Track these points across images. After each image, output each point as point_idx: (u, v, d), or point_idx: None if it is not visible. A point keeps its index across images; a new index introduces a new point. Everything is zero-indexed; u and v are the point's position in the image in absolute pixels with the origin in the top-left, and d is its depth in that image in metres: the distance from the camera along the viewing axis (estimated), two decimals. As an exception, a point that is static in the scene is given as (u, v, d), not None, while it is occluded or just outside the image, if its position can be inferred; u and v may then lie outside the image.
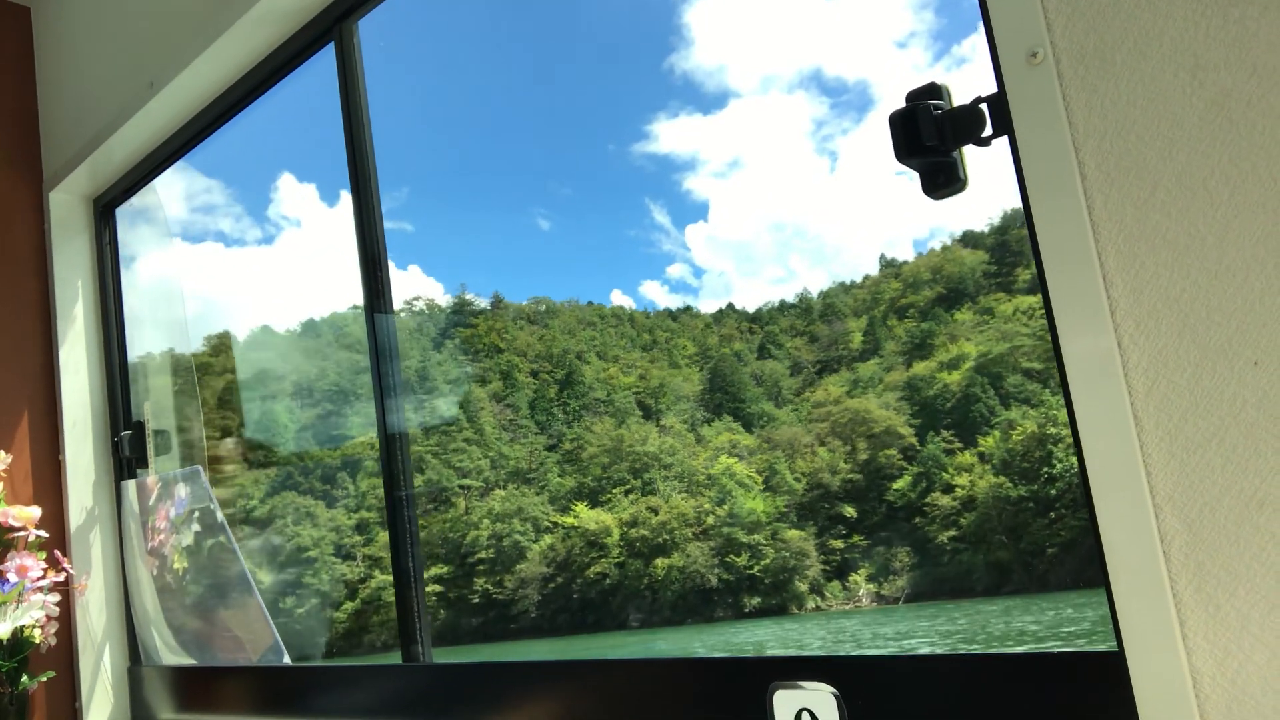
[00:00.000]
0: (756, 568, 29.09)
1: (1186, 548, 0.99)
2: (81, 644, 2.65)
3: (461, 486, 33.41)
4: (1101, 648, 1.09)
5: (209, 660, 2.56)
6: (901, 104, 1.24)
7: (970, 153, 1.23)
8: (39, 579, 2.44)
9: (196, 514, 2.63)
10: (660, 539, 30.20)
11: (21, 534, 2.53)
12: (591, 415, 35.00)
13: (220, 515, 2.61)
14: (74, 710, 2.63)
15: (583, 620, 29.58)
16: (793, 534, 29.45)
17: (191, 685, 2.53)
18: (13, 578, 2.39)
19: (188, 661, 2.60)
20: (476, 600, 30.49)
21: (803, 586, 28.50)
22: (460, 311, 38.59)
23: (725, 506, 30.52)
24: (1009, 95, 1.13)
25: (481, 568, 30.98)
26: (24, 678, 2.42)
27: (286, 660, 2.44)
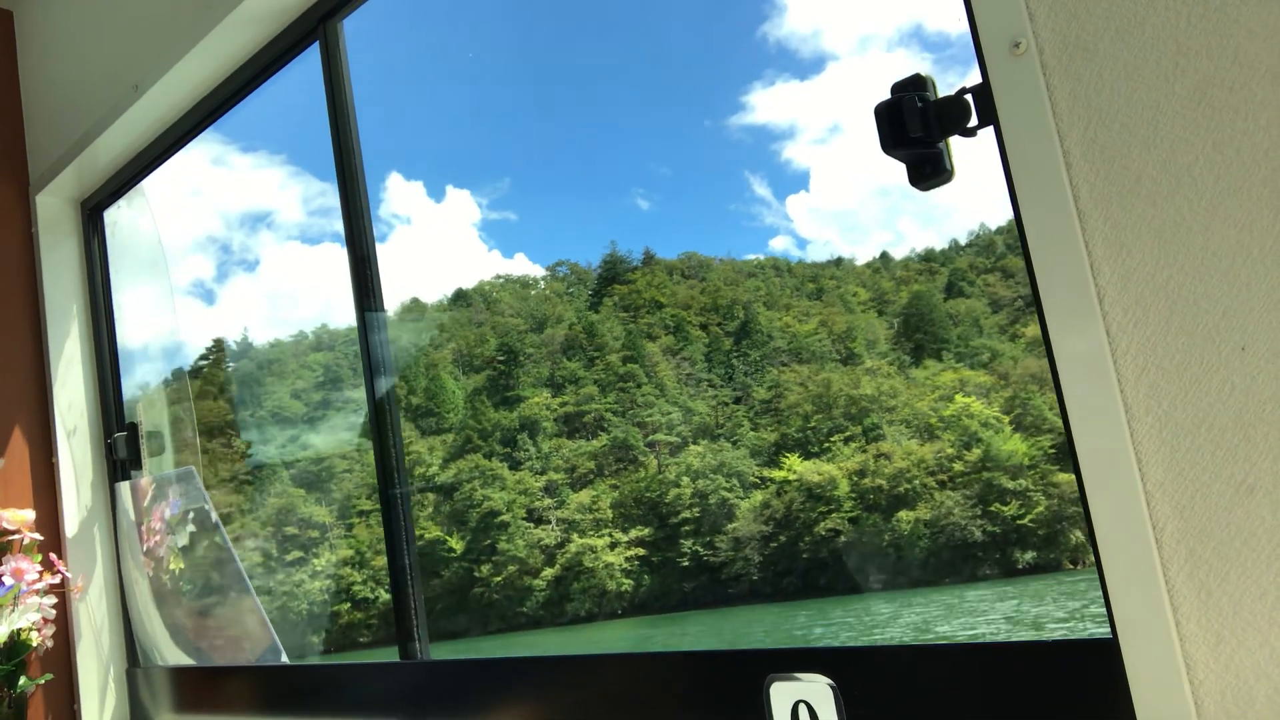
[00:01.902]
0: (1028, 517, 24.89)
1: (1178, 534, 1.00)
2: (79, 646, 2.65)
3: (648, 445, 31.67)
4: (1096, 635, 1.10)
5: (207, 660, 2.57)
6: (887, 95, 1.24)
7: (957, 143, 1.23)
8: (35, 582, 2.44)
9: (191, 514, 2.62)
10: (900, 488, 26.70)
11: (16, 537, 2.53)
12: (775, 364, 32.79)
13: (215, 515, 2.61)
14: (72, 712, 2.63)
15: (811, 583, 26.63)
16: (1064, 477, 24.48)
17: (189, 686, 2.53)
18: (8, 581, 2.39)
19: (186, 662, 2.60)
20: (686, 564, 28.22)
21: (1080, 537, 24.05)
22: (613, 269, 37.63)
23: (975, 450, 26.63)
24: (993, 86, 1.13)
25: (687, 528, 28.72)
26: (22, 680, 2.42)
27: (284, 659, 2.44)
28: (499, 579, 29.48)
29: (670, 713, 1.54)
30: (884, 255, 36.31)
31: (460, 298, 39.50)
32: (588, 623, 27.86)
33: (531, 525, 30.42)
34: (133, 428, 2.79)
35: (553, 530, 30.15)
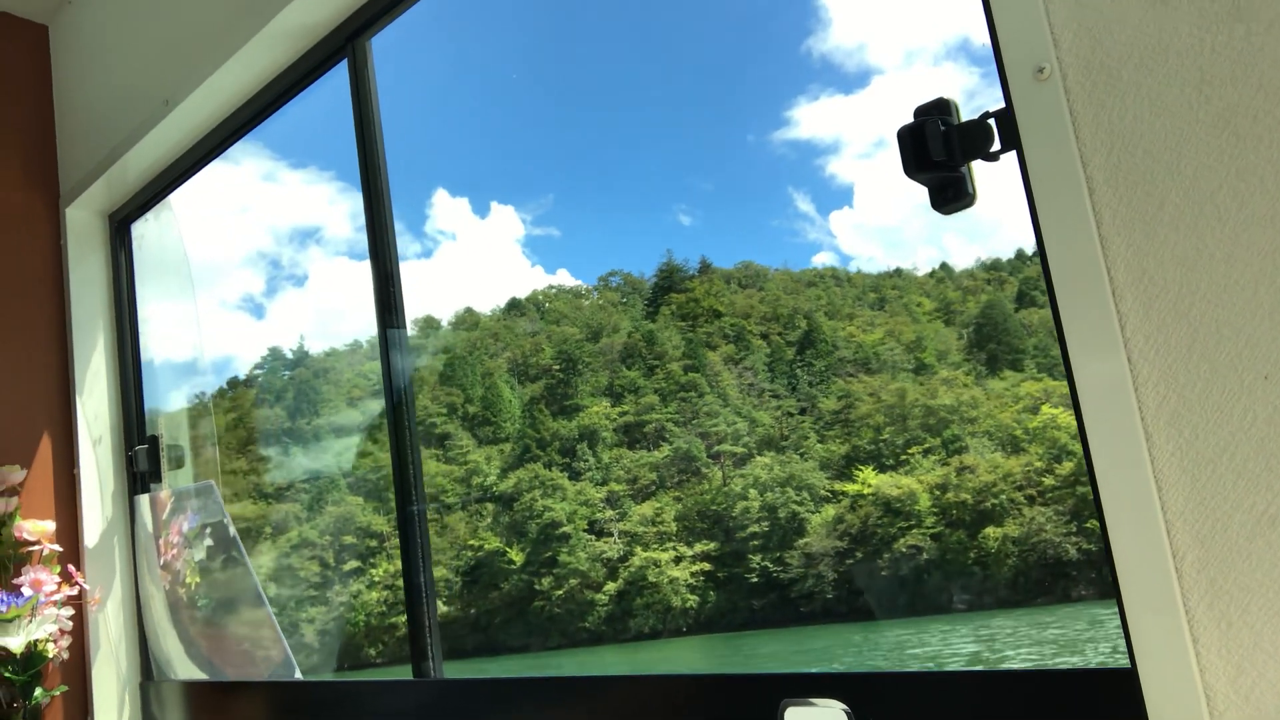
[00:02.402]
0: (1127, 534, 24.48)
1: (1198, 564, 0.99)
2: (94, 658, 2.66)
3: (712, 456, 30.44)
4: (1115, 664, 1.09)
5: (221, 675, 2.57)
6: (910, 119, 1.24)
7: (979, 168, 1.23)
8: (53, 593, 2.45)
9: (209, 529, 2.63)
10: (986, 503, 25.32)
11: (36, 548, 2.55)
12: (840, 375, 31.41)
13: (233, 530, 2.62)
14: None
15: (891, 602, 25.25)
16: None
17: (203, 700, 2.54)
18: (27, 591, 2.40)
19: (200, 676, 2.61)
20: (754, 580, 26.79)
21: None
22: (669, 278, 36.66)
23: (1067, 463, 25.23)
24: (1016, 111, 1.13)
25: (755, 543, 27.32)
26: (37, 691, 2.43)
27: (298, 675, 2.44)
28: (560, 592, 28.68)
29: None
30: (944, 265, 35.26)
31: (514, 307, 39.08)
32: (651, 640, 26.89)
33: (593, 538, 29.52)
34: (154, 440, 2.81)
35: (615, 543, 29.23)
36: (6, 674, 2.38)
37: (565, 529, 29.66)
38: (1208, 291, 0.99)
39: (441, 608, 28.93)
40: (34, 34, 2.99)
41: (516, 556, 29.88)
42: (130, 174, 2.75)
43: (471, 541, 31.30)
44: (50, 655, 2.44)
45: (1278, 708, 0.93)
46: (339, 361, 38.78)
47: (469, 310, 39.34)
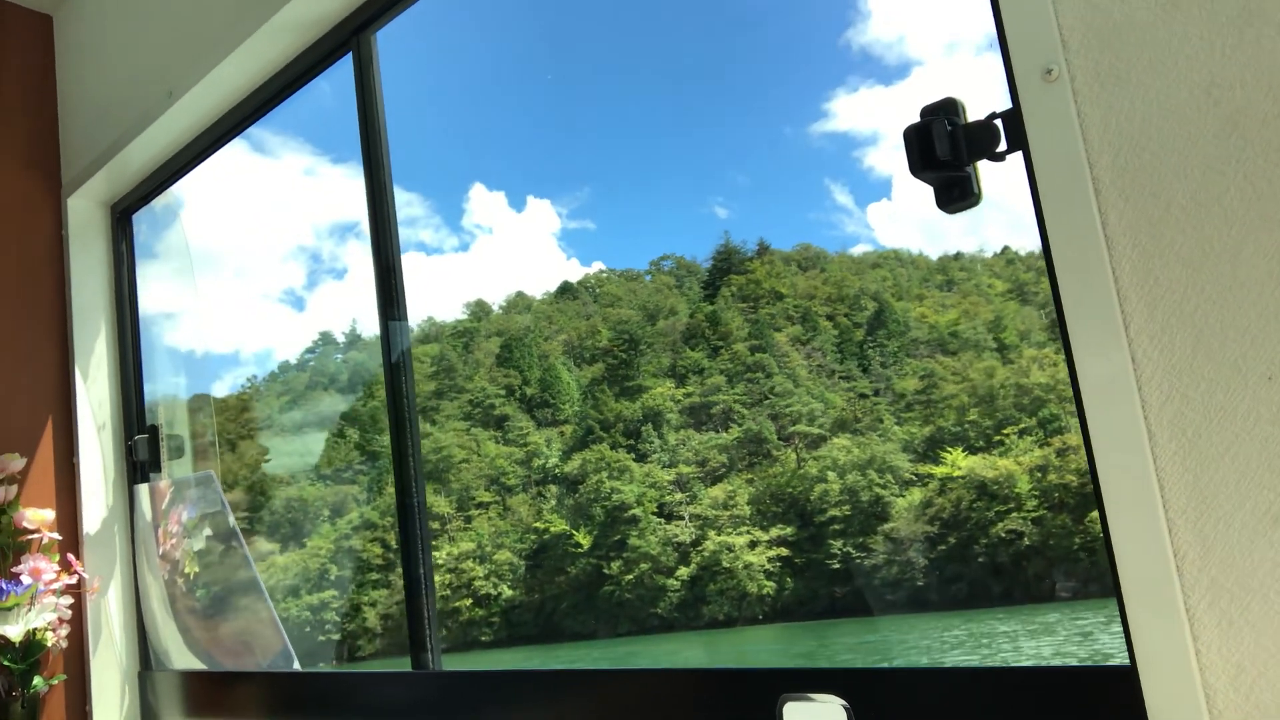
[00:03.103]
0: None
1: (1200, 563, 0.99)
2: (93, 647, 2.66)
3: (783, 438, 29.52)
4: (1115, 663, 1.09)
5: (219, 665, 2.57)
6: (916, 119, 1.25)
7: (986, 168, 1.24)
8: (51, 581, 2.45)
9: (209, 519, 2.64)
10: (1090, 487, 24.99)
11: (36, 536, 2.55)
12: (914, 355, 30.51)
13: (232, 520, 2.62)
14: (84, 713, 2.64)
15: (985, 590, 23.98)
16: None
17: (201, 690, 2.54)
18: (26, 579, 2.40)
19: (198, 666, 2.61)
20: (836, 566, 25.90)
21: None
22: (727, 261, 36.35)
23: None
24: (1024, 111, 1.13)
25: (835, 527, 26.49)
26: (36, 680, 2.43)
27: (296, 666, 2.45)
28: (630, 577, 27.78)
29: None
30: (1006, 248, 34.98)
31: (565, 290, 38.92)
32: (726, 627, 25.99)
33: (662, 521, 28.62)
34: (153, 430, 2.81)
35: (686, 526, 28.29)
36: (5, 662, 2.39)
37: (634, 511, 28.74)
38: (1212, 293, 0.99)
39: (506, 591, 28.55)
40: (38, 24, 2.99)
41: (584, 540, 29.10)
42: (132, 165, 2.75)
43: (536, 524, 30.40)
44: (49, 644, 2.44)
45: (1278, 707, 0.94)
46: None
47: (520, 294, 39.09)
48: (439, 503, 31.67)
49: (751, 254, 35.88)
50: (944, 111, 1.24)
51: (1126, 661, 1.05)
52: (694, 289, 36.20)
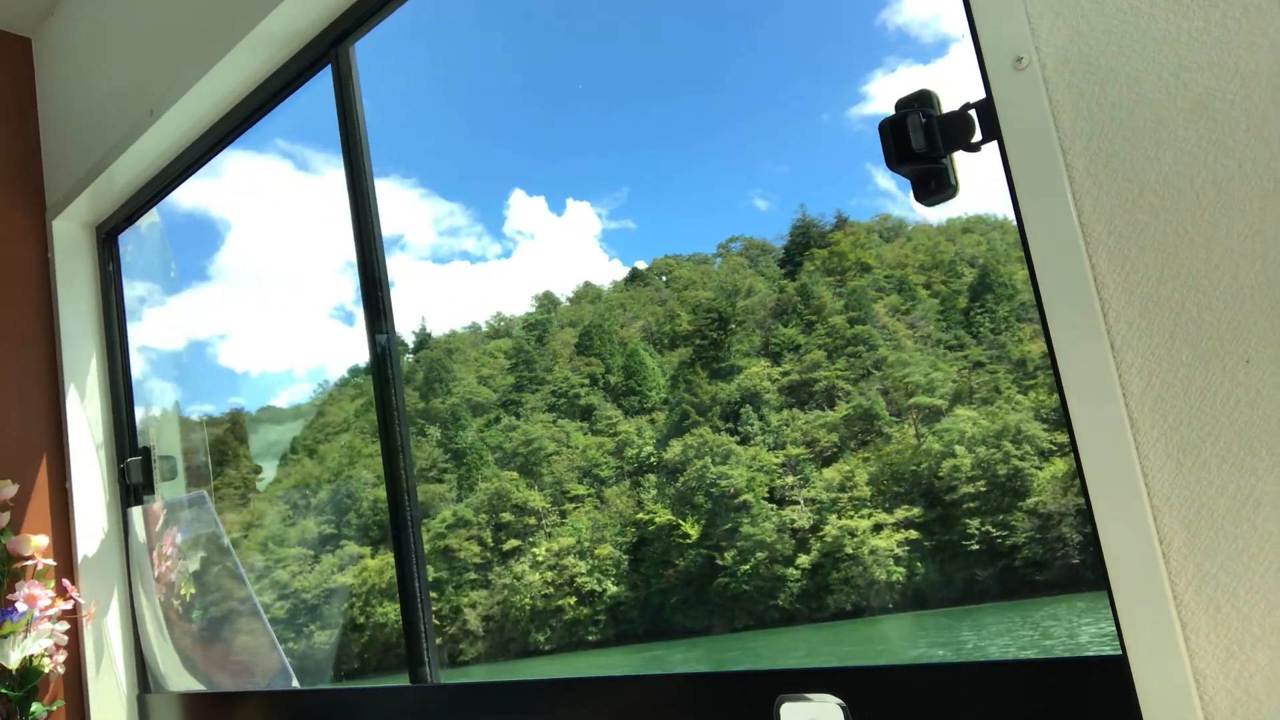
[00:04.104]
0: None
1: (1185, 549, 0.99)
2: (91, 672, 2.65)
3: (895, 414, 27.83)
4: (1106, 652, 1.09)
5: (218, 686, 2.56)
6: (892, 112, 1.24)
7: (961, 158, 1.23)
8: (47, 608, 2.45)
9: (203, 539, 2.63)
10: None
11: (30, 563, 2.54)
12: (1023, 320, 28.44)
13: (227, 540, 2.61)
14: None
15: None
16: None
17: (201, 711, 2.53)
18: (21, 607, 2.39)
19: (197, 688, 2.60)
20: (975, 547, 23.98)
21: None
22: (805, 235, 34.88)
23: None
24: (996, 101, 1.13)
25: (970, 505, 24.50)
26: (34, 707, 2.42)
27: (295, 684, 2.44)
28: (745, 568, 25.90)
29: None
30: None
31: (635, 277, 37.90)
32: (854, 618, 24.08)
33: (775, 507, 26.67)
34: (146, 452, 2.80)
35: (802, 511, 26.28)
36: (3, 690, 2.38)
37: (745, 497, 27.03)
38: (1189, 276, 0.99)
39: (610, 588, 27.29)
40: (17, 47, 2.99)
41: (691, 530, 27.58)
42: (116, 185, 2.74)
43: (639, 516, 29.09)
44: (46, 670, 2.43)
45: (1267, 691, 0.93)
46: (461, 342, 37.92)
47: (587, 284, 38.43)
48: (533, 497, 30.51)
49: (830, 227, 34.76)
50: (919, 103, 1.23)
51: (1114, 651, 1.05)
52: (770, 267, 34.88)
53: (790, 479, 27.34)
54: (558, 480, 30.93)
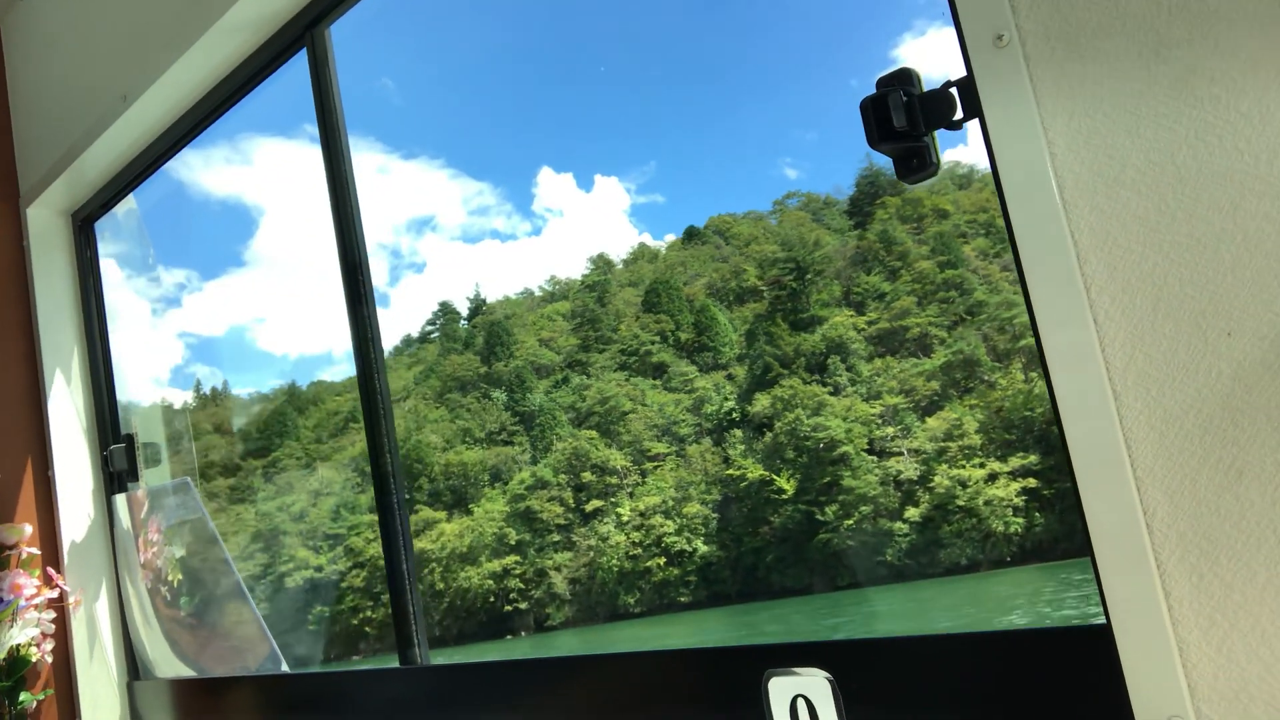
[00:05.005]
0: None
1: (1169, 519, 1.00)
2: (79, 660, 2.65)
3: (998, 358, 26.68)
4: (1091, 622, 1.11)
5: (208, 671, 2.57)
6: (873, 90, 1.25)
7: (944, 136, 1.24)
8: (33, 596, 2.44)
9: (189, 525, 2.62)
10: None
11: (14, 552, 2.53)
12: None
13: (212, 526, 2.61)
14: None
15: None
16: None
17: (191, 697, 2.53)
18: (7, 596, 2.39)
19: (186, 673, 2.60)
20: None
21: None
22: (874, 186, 34.19)
23: None
24: (977, 79, 1.14)
25: None
26: (22, 696, 2.42)
27: (284, 667, 2.45)
28: (849, 523, 24.81)
29: (671, 710, 1.54)
30: None
31: (692, 235, 37.37)
32: (969, 573, 23.12)
33: (875, 459, 25.68)
34: (129, 439, 2.79)
35: (908, 462, 25.36)
36: (-10, 680, 2.37)
37: (844, 449, 25.87)
38: (1170, 251, 1.00)
39: (701, 547, 26.23)
40: (-15, 32, 2.95)
41: (786, 485, 26.46)
42: (90, 172, 2.71)
43: (729, 472, 28.03)
44: (34, 659, 2.43)
45: (1249, 658, 0.95)
46: (516, 307, 37.67)
47: (642, 245, 38.04)
48: (613, 456, 29.70)
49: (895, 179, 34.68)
50: (899, 82, 1.24)
51: (1103, 620, 1.06)
52: (837, 219, 34.09)
53: (890, 429, 26.32)
54: (635, 439, 30.10)
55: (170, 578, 2.65)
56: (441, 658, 2.05)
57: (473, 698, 1.85)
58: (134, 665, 2.73)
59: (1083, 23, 1.05)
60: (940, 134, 1.24)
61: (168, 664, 2.65)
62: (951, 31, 1.17)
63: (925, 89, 1.23)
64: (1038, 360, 1.10)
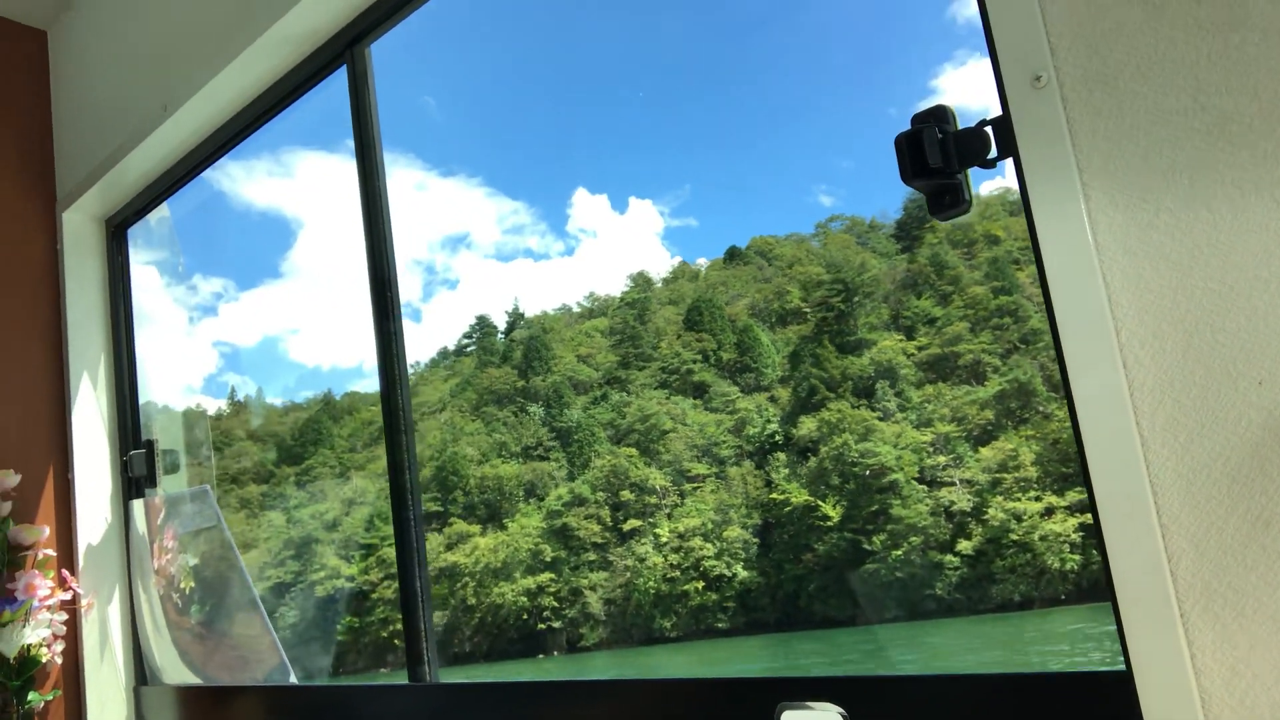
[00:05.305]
0: None
1: (1193, 567, 0.99)
2: (88, 663, 2.65)
3: (1052, 389, 26.20)
4: (1111, 668, 1.09)
5: (215, 679, 2.56)
6: (908, 126, 1.25)
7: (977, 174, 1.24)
8: (46, 597, 2.45)
9: (204, 533, 2.63)
10: None
11: (30, 552, 2.54)
12: None
13: (228, 534, 2.62)
14: None
15: None
16: None
17: (198, 705, 2.53)
18: (20, 596, 2.40)
19: (194, 681, 2.60)
20: None
21: None
22: (923, 208, 34.82)
23: None
24: (1013, 118, 1.14)
25: None
26: (30, 696, 2.42)
27: (292, 679, 2.44)
28: (898, 553, 24.06)
29: None
30: None
31: (733, 256, 37.07)
32: (1022, 610, 22.39)
33: (926, 488, 24.92)
34: (149, 445, 2.81)
35: (960, 493, 24.42)
36: (0, 679, 2.38)
37: (894, 477, 25.05)
38: (1202, 297, 1.00)
39: (740, 572, 25.62)
40: (33, 40, 3.00)
41: (832, 511, 25.66)
42: (127, 179, 2.75)
43: (772, 496, 27.30)
44: (44, 660, 2.44)
45: (1272, 710, 0.94)
46: (554, 323, 37.57)
47: (682, 264, 37.80)
48: (652, 475, 29.02)
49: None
50: (935, 119, 1.24)
51: (1124, 666, 1.05)
52: (883, 242, 33.60)
53: (942, 458, 25.58)
54: (675, 458, 29.50)
55: (183, 585, 2.65)
56: (460, 675, 2.04)
57: (480, 718, 1.84)
58: (142, 670, 2.73)
59: (1121, 66, 1.06)
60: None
61: (175, 671, 2.65)
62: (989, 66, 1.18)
63: (960, 127, 1.24)
64: (1065, 403, 1.09)
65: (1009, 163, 1.19)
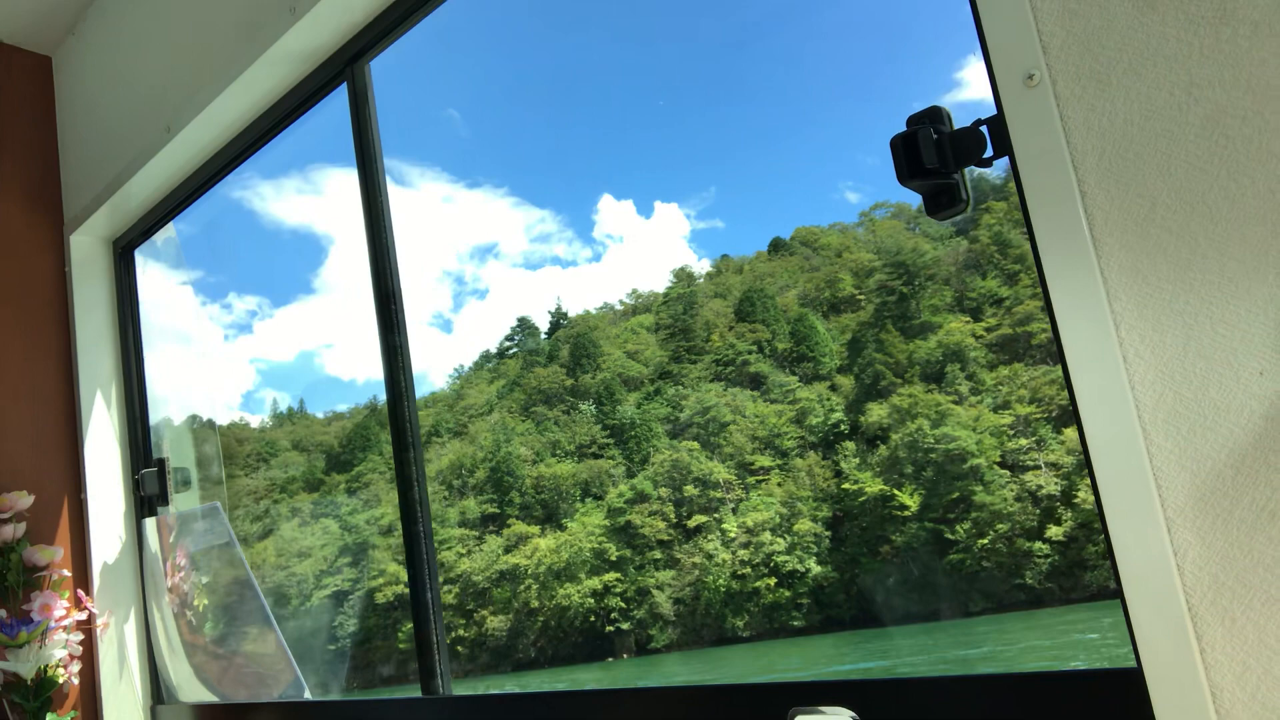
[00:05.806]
0: None
1: (1200, 561, 0.99)
2: (105, 683, 2.66)
3: None
4: (1122, 665, 1.09)
5: (231, 697, 2.57)
6: (903, 128, 1.26)
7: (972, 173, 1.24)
8: (62, 618, 2.46)
9: (216, 550, 2.64)
10: None
11: (45, 573, 2.55)
12: None
13: (239, 551, 2.62)
14: None
15: None
16: None
17: None
18: (36, 617, 2.41)
19: (210, 699, 2.61)
20: None
21: None
22: (976, 189, 34.75)
23: None
24: (1008, 117, 1.14)
25: None
26: (49, 717, 2.43)
27: (307, 695, 2.45)
28: (983, 542, 22.89)
29: None
30: None
31: (778, 247, 36.63)
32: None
33: (1008, 472, 23.85)
34: (160, 464, 2.82)
35: (1048, 477, 23.38)
36: (17, 700, 2.39)
37: (975, 462, 23.90)
38: (1201, 289, 1.00)
39: (814, 567, 24.70)
40: (38, 65, 3.02)
41: (909, 500, 24.74)
42: (133, 200, 2.77)
43: (845, 486, 26.33)
44: (61, 680, 2.45)
45: None
46: (598, 321, 37.29)
47: (724, 257, 37.52)
48: (715, 468, 28.15)
49: (1004, 178, 33.23)
50: (929, 120, 1.24)
51: (1130, 664, 1.05)
52: (935, 226, 32.52)
53: (1024, 441, 24.44)
54: (737, 450, 28.59)
55: (196, 603, 2.66)
56: (474, 687, 2.04)
57: None
58: (159, 689, 2.74)
59: (1113, 62, 1.06)
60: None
61: (191, 689, 2.65)
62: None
63: (956, 127, 1.24)
64: (1068, 400, 1.09)
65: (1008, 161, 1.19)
